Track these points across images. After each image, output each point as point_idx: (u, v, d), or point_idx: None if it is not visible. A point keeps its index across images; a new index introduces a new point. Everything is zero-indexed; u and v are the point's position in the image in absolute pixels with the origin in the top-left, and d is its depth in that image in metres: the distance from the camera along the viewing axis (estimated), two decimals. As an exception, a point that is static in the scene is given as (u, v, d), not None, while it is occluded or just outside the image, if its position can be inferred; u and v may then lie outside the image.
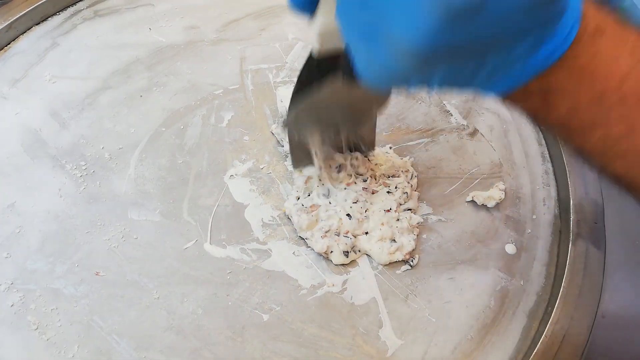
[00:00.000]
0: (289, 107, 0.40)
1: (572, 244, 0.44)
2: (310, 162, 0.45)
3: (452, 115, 0.54)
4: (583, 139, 0.28)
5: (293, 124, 0.42)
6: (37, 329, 0.39)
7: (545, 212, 0.48)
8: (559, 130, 0.29)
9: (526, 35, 0.24)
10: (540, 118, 0.29)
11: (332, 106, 0.40)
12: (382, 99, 0.41)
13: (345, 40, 0.28)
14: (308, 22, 0.32)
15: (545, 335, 0.39)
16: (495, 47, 0.24)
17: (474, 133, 0.52)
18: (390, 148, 0.49)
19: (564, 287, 0.41)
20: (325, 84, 0.36)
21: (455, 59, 0.25)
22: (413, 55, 0.24)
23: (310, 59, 0.36)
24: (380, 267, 0.43)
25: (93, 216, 0.45)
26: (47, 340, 0.38)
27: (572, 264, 0.43)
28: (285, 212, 0.45)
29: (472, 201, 0.47)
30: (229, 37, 0.59)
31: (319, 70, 0.36)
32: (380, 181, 0.46)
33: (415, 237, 0.44)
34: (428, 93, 0.28)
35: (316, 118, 0.41)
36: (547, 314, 0.41)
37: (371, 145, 0.47)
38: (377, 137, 0.50)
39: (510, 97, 0.28)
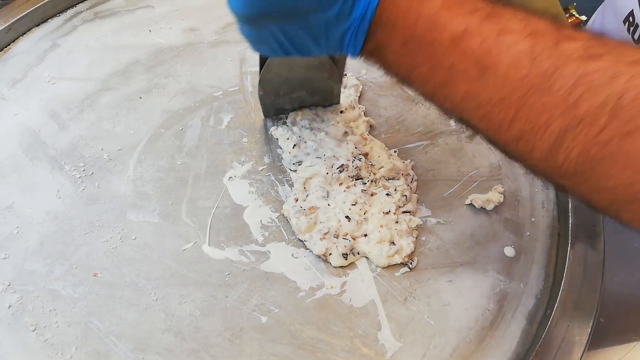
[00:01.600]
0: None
1: (570, 247, 0.44)
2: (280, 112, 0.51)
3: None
4: (410, 86, 0.34)
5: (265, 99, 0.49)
6: (34, 330, 0.39)
7: (544, 215, 0.48)
8: (399, 81, 0.34)
9: (330, 2, 0.30)
10: (386, 72, 0.34)
11: (288, 77, 0.47)
12: (325, 68, 0.46)
13: None
14: None
15: (544, 338, 0.39)
16: (309, 11, 0.30)
17: (473, 136, 0.52)
18: (395, 152, 0.49)
19: (562, 290, 0.41)
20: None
21: (279, 21, 0.31)
22: (240, 17, 0.32)
23: None
24: (379, 270, 0.43)
25: (92, 217, 0.44)
26: (45, 341, 0.38)
27: (571, 267, 0.42)
28: (284, 214, 0.45)
29: (471, 204, 0.47)
30: (229, 39, 0.59)
31: None
32: (379, 183, 0.46)
33: (414, 239, 0.44)
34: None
35: (279, 94, 0.49)
36: (545, 316, 0.41)
37: (337, 97, 0.51)
38: (378, 139, 0.50)
39: (363, 56, 0.34)
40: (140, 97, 0.53)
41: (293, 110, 0.51)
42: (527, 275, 0.44)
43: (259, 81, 0.46)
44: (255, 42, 0.34)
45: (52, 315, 0.39)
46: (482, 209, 0.47)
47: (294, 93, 0.49)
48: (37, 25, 0.59)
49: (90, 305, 0.40)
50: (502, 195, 0.48)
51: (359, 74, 0.56)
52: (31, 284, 0.41)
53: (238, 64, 0.57)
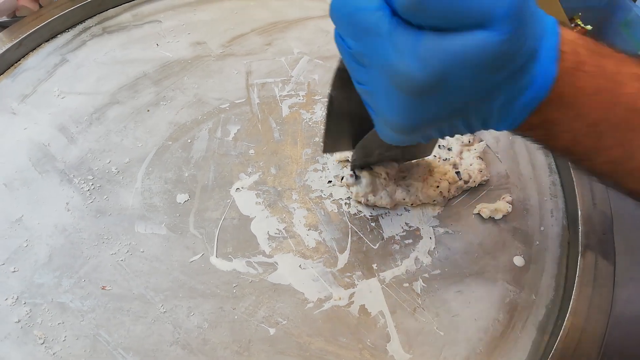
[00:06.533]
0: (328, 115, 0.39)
1: (581, 255, 0.43)
2: (345, 148, 0.44)
3: (457, 127, 0.54)
4: (589, 163, 0.30)
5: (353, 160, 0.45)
6: (43, 343, 0.39)
7: (553, 223, 0.47)
8: (567, 156, 0.30)
9: (498, 91, 0.25)
10: (548, 147, 0.31)
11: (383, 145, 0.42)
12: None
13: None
14: None
15: (556, 349, 0.38)
16: (472, 108, 0.26)
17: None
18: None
19: (573, 299, 0.41)
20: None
21: (439, 124, 0.28)
22: (399, 130, 0.28)
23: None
24: (387, 280, 0.43)
25: (100, 230, 0.45)
26: (54, 354, 0.38)
27: (582, 276, 0.42)
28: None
29: (479, 214, 0.47)
30: (235, 52, 0.60)
31: None
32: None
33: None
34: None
35: (372, 155, 0.44)
36: (557, 326, 0.41)
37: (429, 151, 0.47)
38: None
39: (517, 131, 0.29)
40: (148, 110, 0.54)
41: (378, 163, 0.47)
42: (537, 285, 0.43)
43: (358, 146, 0.42)
44: (402, 142, 0.31)
45: (60, 329, 0.39)
46: (491, 218, 0.47)
47: (389, 151, 0.45)
48: (46, 41, 0.60)
49: (98, 318, 0.40)
50: (511, 205, 0.47)
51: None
52: (40, 297, 0.41)
53: (244, 76, 0.57)
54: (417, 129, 0.27)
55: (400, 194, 0.46)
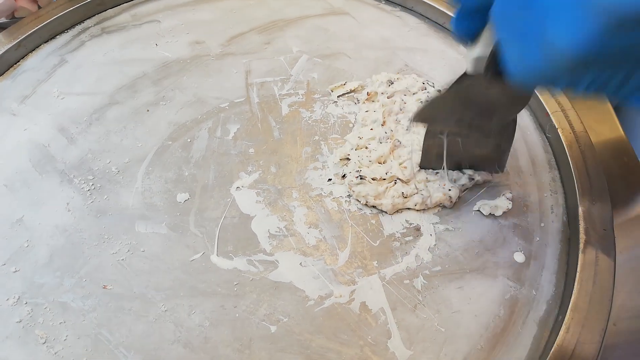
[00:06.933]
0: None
1: (581, 251, 0.43)
2: (438, 166, 0.48)
3: (457, 124, 0.54)
4: None
5: (425, 113, 0.43)
6: (44, 342, 0.39)
7: (554, 219, 0.47)
8: None
9: None
10: None
11: (470, 100, 0.40)
12: (521, 100, 0.40)
13: (498, 36, 0.28)
14: (467, 47, 0.36)
15: (557, 344, 0.38)
16: None
17: (479, 142, 0.52)
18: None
19: (574, 295, 0.41)
20: (467, 78, 0.37)
21: (608, 66, 0.24)
22: (566, 58, 0.24)
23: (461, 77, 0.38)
24: (388, 278, 0.43)
25: (101, 230, 0.45)
26: (55, 354, 0.38)
27: (582, 272, 0.42)
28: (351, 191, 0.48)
29: (479, 210, 0.47)
30: (234, 51, 0.60)
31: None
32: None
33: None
34: (573, 95, 0.28)
35: (451, 111, 0.42)
36: (557, 322, 0.41)
37: (502, 165, 0.47)
38: (383, 147, 0.50)
39: None
40: (148, 110, 0.54)
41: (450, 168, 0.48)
42: (537, 281, 0.43)
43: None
44: (550, 80, 0.27)
45: (62, 328, 0.39)
46: (491, 215, 0.47)
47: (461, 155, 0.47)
48: (45, 42, 0.60)
49: (99, 317, 0.40)
50: (511, 203, 0.47)
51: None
52: (41, 297, 0.41)
53: (244, 75, 0.57)
54: (587, 61, 0.24)
55: (411, 202, 0.46)
